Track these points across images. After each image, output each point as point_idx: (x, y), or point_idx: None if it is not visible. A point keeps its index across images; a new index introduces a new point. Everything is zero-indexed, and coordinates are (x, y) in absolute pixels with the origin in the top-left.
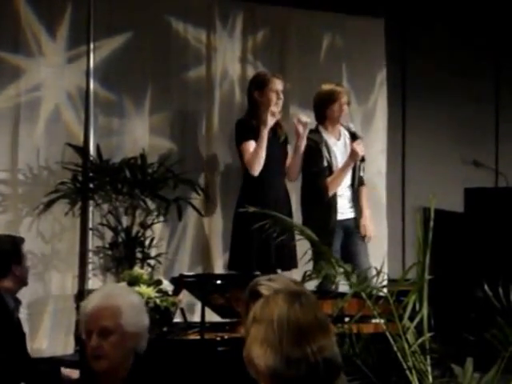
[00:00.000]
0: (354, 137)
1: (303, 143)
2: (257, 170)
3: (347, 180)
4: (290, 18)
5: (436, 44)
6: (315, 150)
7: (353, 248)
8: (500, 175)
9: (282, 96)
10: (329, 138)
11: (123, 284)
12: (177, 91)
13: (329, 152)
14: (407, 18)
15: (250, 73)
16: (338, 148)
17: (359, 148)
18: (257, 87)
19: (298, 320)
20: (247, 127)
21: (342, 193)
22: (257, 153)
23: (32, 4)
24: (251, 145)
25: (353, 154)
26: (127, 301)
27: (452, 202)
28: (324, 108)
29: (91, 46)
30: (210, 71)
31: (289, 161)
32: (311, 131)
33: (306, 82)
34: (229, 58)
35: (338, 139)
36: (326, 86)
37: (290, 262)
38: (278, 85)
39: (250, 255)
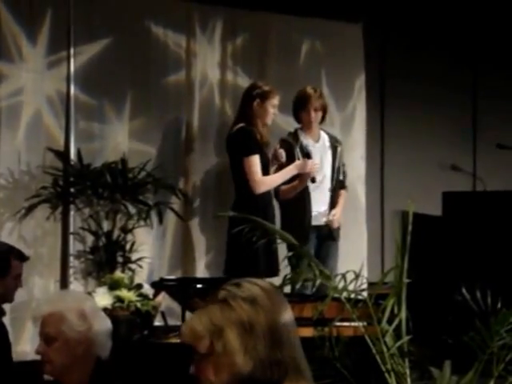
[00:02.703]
0: (334, 143)
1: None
2: (261, 192)
3: (324, 184)
4: (269, 24)
5: (415, 50)
6: (288, 153)
7: (323, 251)
8: (477, 180)
9: (276, 111)
10: (306, 139)
11: (77, 290)
12: (157, 96)
13: (303, 153)
14: (386, 23)
15: (230, 78)
16: (316, 149)
17: (312, 168)
18: (258, 97)
19: (266, 322)
20: (252, 138)
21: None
22: (275, 181)
23: (12, 9)
24: (257, 160)
25: (304, 173)
26: (72, 307)
27: (430, 206)
28: (296, 111)
29: (71, 51)
30: (189, 76)
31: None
32: (289, 133)
33: (285, 87)
34: (208, 64)
35: (317, 141)
36: (301, 90)
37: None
38: (277, 100)
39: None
